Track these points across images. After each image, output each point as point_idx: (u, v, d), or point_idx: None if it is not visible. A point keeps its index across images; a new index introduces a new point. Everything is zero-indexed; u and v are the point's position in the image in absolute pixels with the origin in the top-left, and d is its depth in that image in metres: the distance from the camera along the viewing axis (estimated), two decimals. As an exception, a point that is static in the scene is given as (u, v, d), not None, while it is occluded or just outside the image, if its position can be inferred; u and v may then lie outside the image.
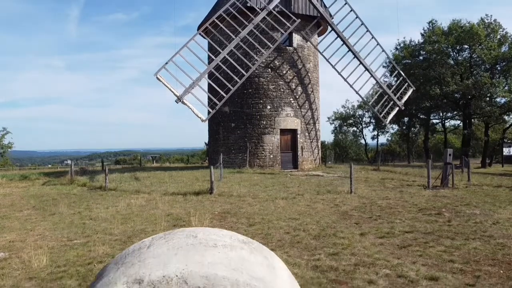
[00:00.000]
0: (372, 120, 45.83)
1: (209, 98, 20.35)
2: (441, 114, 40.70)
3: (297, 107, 23.11)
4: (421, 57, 35.58)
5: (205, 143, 29.72)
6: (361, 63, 22.47)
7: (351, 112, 48.69)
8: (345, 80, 22.13)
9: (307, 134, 23.60)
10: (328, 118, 50.66)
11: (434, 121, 42.32)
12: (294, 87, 23.06)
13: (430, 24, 35.26)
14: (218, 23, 19.76)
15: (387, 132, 47.54)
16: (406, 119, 40.90)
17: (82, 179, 19.01)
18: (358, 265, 6.42)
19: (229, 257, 1.72)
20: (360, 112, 48.03)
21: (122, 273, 1.59)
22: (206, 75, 19.43)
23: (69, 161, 26.34)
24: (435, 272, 6.02)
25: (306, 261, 6.58)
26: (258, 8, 20.75)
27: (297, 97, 23.13)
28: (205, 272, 1.56)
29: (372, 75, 22.64)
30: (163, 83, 18.05)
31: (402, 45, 37.68)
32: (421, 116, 39.69)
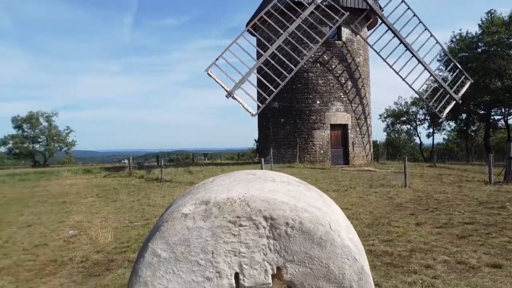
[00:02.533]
0: (427, 117, 43.81)
1: (258, 93, 20.59)
2: (503, 110, 38.03)
3: (347, 101, 22.74)
4: (479, 49, 33.48)
5: (255, 140, 30.08)
6: (414, 55, 21.65)
7: (404, 109, 46.86)
8: (397, 73, 21.47)
9: (358, 129, 23.13)
10: (380, 115, 49.13)
11: (496, 117, 39.64)
12: (343, 81, 22.71)
13: (489, 14, 33.13)
14: (266, 18, 19.94)
15: (443, 129, 45.15)
16: (464, 115, 38.68)
17: (140, 172, 19.98)
18: (414, 251, 6.26)
19: (287, 188, 1.82)
20: (414, 109, 46.09)
21: (190, 198, 1.75)
22: (255, 70, 19.68)
23: (125, 161, 27.92)
24: (499, 260, 5.73)
25: (358, 246, 6.52)
26: (306, 2, 20.68)
27: (347, 91, 22.76)
28: (265, 196, 1.67)
29: (426, 68, 21.75)
30: (213, 78, 18.53)
31: (458, 37, 35.71)
32: (481, 112, 37.32)
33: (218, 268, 1.64)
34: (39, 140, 55.12)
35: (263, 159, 14.52)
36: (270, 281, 1.67)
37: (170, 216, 1.67)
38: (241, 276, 1.66)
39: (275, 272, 1.67)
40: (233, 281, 1.66)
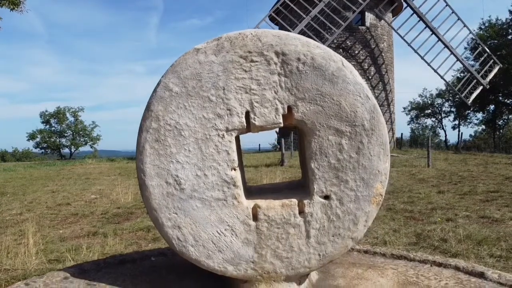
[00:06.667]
0: (453, 109, 42.58)
1: (279, 78, 20.48)
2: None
3: (370, 88, 22.30)
4: (509, 36, 32.33)
5: (276, 131, 29.95)
6: (439, 39, 21.10)
7: (429, 101, 45.65)
8: (422, 58, 20.99)
9: (380, 116, 22.74)
10: (404, 108, 48.04)
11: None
12: (366, 67, 22.38)
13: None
14: (289, 3, 19.84)
15: (470, 122, 43.72)
16: (491, 107, 37.41)
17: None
18: (435, 209, 6.13)
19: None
20: (439, 101, 44.85)
21: (205, 41, 1.74)
22: (277, 56, 19.57)
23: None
24: (524, 216, 5.54)
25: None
26: (329, -13, 20.43)
27: (370, 78, 22.42)
28: (278, 32, 1.66)
29: (452, 52, 21.17)
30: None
31: (487, 24, 34.54)
32: (509, 101, 36.00)
33: (229, 106, 1.64)
34: (65, 134, 56.71)
35: (282, 140, 14.47)
36: (281, 120, 1.66)
37: (183, 53, 1.68)
38: (251, 115, 1.65)
39: (286, 112, 1.66)
40: (244, 119, 1.65)
